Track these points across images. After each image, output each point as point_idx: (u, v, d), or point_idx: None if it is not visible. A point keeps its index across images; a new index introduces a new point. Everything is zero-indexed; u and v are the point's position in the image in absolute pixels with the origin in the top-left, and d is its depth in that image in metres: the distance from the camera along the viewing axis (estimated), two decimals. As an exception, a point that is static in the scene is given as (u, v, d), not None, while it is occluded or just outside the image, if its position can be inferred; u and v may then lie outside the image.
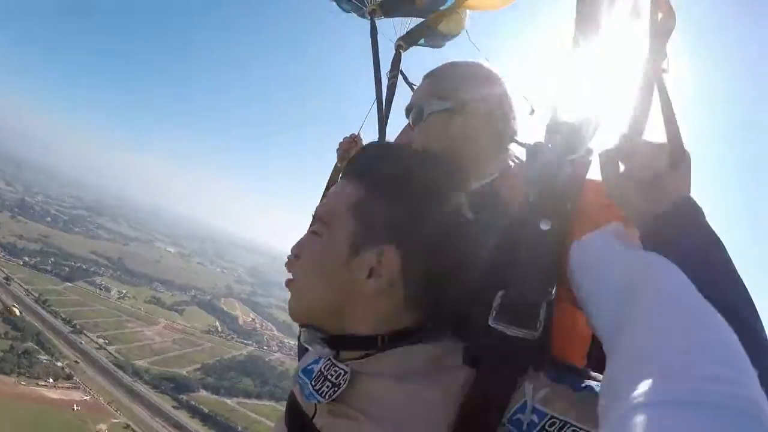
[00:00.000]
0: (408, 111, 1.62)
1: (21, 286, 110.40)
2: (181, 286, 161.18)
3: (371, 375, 1.05)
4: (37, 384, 76.41)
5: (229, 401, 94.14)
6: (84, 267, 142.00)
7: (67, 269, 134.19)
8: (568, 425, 0.82)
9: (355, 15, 2.81)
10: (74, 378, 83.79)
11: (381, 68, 2.55)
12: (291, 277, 1.17)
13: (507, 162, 1.53)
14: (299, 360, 1.43)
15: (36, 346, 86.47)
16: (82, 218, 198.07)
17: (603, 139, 1.10)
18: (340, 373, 1.07)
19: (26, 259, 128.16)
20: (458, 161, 1.38)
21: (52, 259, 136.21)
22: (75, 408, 74.50)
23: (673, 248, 0.87)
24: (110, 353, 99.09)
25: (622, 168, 1.05)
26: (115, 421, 76.13)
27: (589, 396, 0.84)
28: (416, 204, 1.09)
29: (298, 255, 1.15)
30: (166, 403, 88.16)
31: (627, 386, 0.55)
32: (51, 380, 79.13)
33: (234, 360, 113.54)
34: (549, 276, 0.98)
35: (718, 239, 0.94)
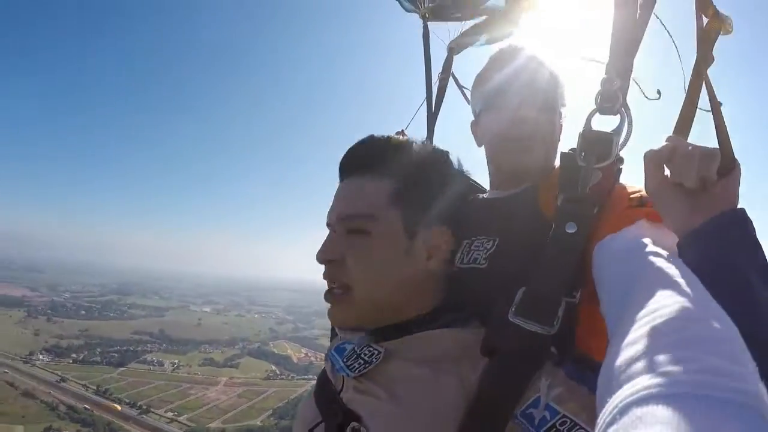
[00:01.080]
0: (533, 86, 1.45)
1: (77, 382, 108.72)
2: (228, 341, 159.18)
3: (400, 357, 1.05)
4: (125, 471, 74.72)
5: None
6: (131, 349, 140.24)
7: (116, 355, 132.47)
8: (578, 427, 0.80)
9: (415, 14, 2.59)
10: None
11: (432, 70, 2.43)
12: (341, 283, 1.10)
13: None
14: (331, 340, 1.42)
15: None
16: (113, 303, 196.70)
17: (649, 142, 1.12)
18: (374, 353, 1.07)
19: (74, 356, 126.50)
20: (538, 165, 1.43)
21: (99, 350, 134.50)
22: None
23: (716, 264, 0.84)
24: (183, 423, 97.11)
25: (667, 172, 0.99)
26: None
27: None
28: (447, 186, 1.15)
29: (336, 259, 1.09)
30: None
31: (623, 378, 0.54)
32: (136, 464, 77.24)
33: (301, 398, 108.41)
34: (570, 276, 1.02)
35: (765, 260, 0.87)
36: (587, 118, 1.17)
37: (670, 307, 0.64)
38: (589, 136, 1.15)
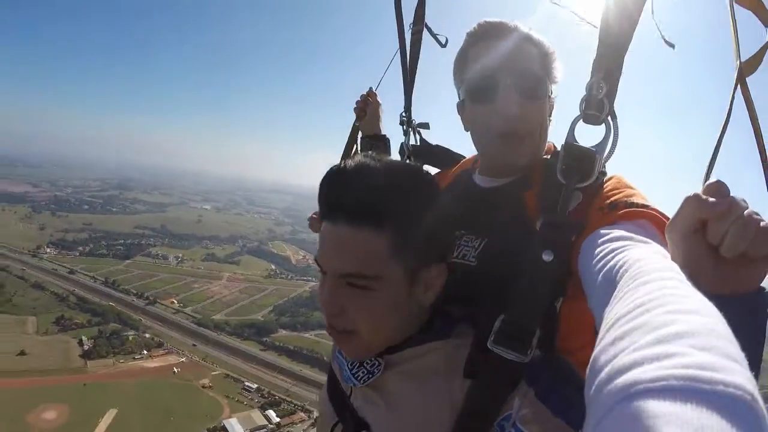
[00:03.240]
0: (524, 75, 1.31)
1: (85, 274, 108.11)
2: (228, 238, 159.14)
3: (397, 370, 1.13)
4: (134, 358, 75.58)
5: (307, 335, 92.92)
6: (135, 242, 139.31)
7: (121, 248, 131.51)
8: None
9: None
10: (165, 345, 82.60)
11: (404, 20, 2.21)
12: (345, 329, 1.11)
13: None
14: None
15: (120, 325, 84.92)
16: (115, 198, 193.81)
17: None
18: (375, 364, 1.16)
19: (81, 249, 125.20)
20: (533, 148, 1.35)
21: (104, 242, 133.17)
22: (175, 371, 73.60)
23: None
24: (188, 315, 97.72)
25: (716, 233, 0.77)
26: (215, 373, 75.24)
27: (559, 424, 0.92)
28: (436, 216, 1.11)
29: (344, 311, 1.09)
30: (253, 348, 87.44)
31: (612, 374, 0.52)
32: (145, 352, 78.06)
33: (300, 297, 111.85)
34: (545, 306, 1.03)
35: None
36: (571, 126, 1.10)
37: (656, 300, 0.62)
38: (571, 152, 1.09)
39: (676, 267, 0.75)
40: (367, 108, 2.39)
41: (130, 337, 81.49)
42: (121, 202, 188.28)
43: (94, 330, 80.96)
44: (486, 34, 1.34)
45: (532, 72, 1.30)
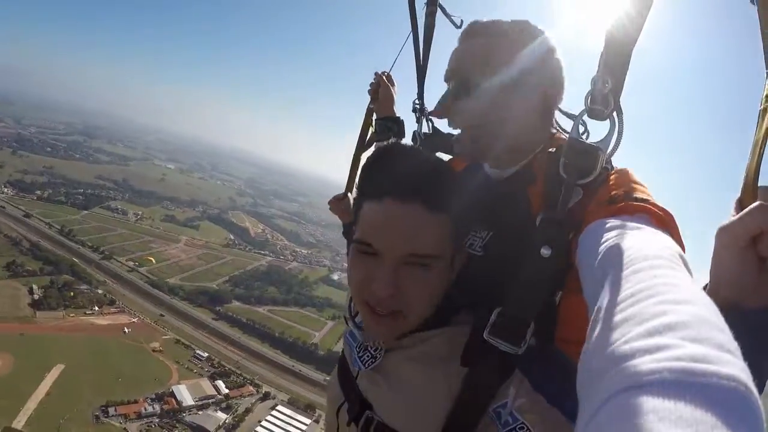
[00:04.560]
0: (448, 79, 1.37)
1: (41, 220, 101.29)
2: (189, 202, 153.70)
3: (400, 354, 1.16)
4: (85, 313, 71.93)
5: (260, 309, 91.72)
6: (95, 193, 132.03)
7: (80, 198, 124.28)
8: None
9: None
10: (117, 303, 79.03)
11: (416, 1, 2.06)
12: (395, 310, 1.07)
13: (549, 131, 1.39)
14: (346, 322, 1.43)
15: (73, 278, 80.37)
16: (79, 144, 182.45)
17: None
18: (378, 348, 1.20)
19: (38, 192, 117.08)
20: (508, 136, 1.30)
21: (63, 189, 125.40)
22: (126, 331, 70.68)
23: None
24: (143, 275, 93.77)
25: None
26: (165, 337, 72.90)
27: (556, 414, 0.94)
28: (468, 212, 1.16)
29: (400, 291, 1.05)
30: (205, 316, 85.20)
31: (605, 366, 0.51)
32: (96, 308, 74.45)
33: (257, 270, 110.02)
34: (542, 300, 1.03)
35: None
36: (576, 120, 1.07)
37: (647, 290, 0.60)
38: (574, 147, 1.06)
39: (667, 253, 0.72)
40: (379, 90, 2.27)
41: (83, 291, 77.57)
42: (84, 150, 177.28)
43: (46, 279, 76.25)
44: (466, 33, 1.36)
45: (459, 72, 1.32)
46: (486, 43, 1.30)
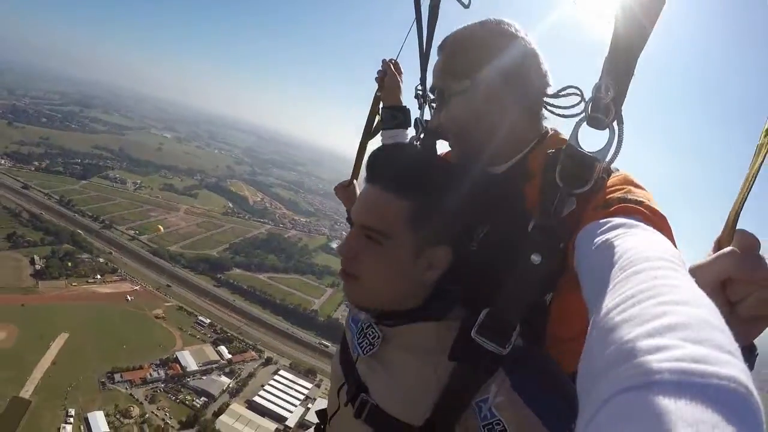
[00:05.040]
0: (432, 92, 1.44)
1: (39, 191, 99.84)
2: (187, 170, 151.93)
3: (395, 343, 1.22)
4: (87, 282, 71.73)
5: (261, 276, 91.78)
6: (93, 163, 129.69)
7: (78, 168, 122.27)
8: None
9: None
10: (119, 271, 78.74)
11: None
12: (352, 273, 1.19)
13: (540, 123, 1.35)
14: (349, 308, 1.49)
15: (74, 247, 79.74)
16: (74, 114, 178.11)
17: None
18: (376, 336, 1.25)
19: (36, 163, 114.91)
20: (489, 138, 1.30)
21: (61, 160, 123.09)
22: (128, 299, 70.78)
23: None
24: (144, 243, 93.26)
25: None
26: (168, 304, 73.14)
27: (530, 415, 0.97)
28: (464, 214, 1.18)
29: (354, 257, 1.18)
30: (207, 283, 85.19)
31: (605, 367, 0.50)
32: (98, 276, 74.12)
33: (257, 238, 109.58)
34: (529, 305, 1.04)
35: None
36: (574, 127, 1.03)
37: (647, 291, 0.59)
38: (571, 155, 1.02)
39: (668, 254, 0.71)
40: (385, 78, 2.20)
41: (85, 260, 77.01)
42: (80, 120, 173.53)
43: (47, 249, 75.68)
44: (444, 42, 1.38)
45: (436, 85, 1.38)
46: (455, 54, 1.33)
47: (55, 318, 59.06)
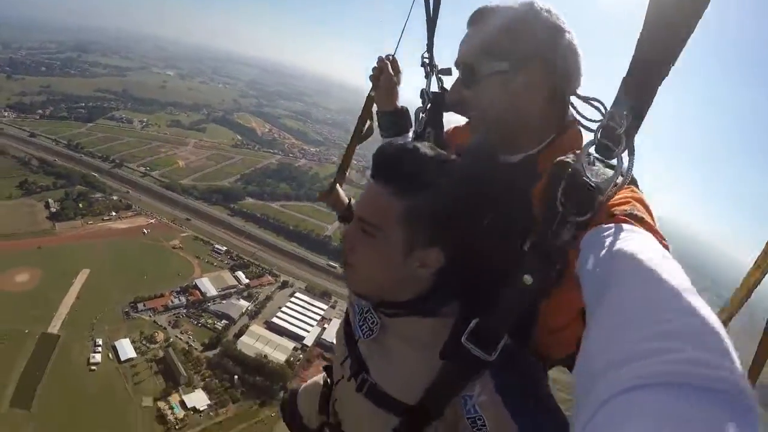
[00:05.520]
0: (457, 66, 1.33)
1: (47, 137, 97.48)
2: (192, 106, 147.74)
3: (394, 332, 1.28)
4: (103, 220, 71.66)
5: (273, 205, 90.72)
6: (97, 105, 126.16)
7: (83, 111, 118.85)
8: (486, 428, 1.07)
9: None
10: (133, 207, 78.34)
11: None
12: (349, 262, 1.24)
13: (563, 118, 1.27)
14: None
15: (86, 188, 78.84)
16: (73, 60, 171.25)
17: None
18: (375, 321, 1.32)
19: (40, 112, 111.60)
20: (515, 125, 1.25)
21: (64, 105, 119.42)
22: (145, 232, 70.91)
23: None
24: (155, 179, 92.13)
25: None
26: (184, 235, 73.16)
27: (508, 416, 1.04)
28: (458, 216, 1.15)
29: (352, 248, 1.23)
30: (220, 213, 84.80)
31: (605, 368, 0.50)
32: (113, 213, 73.91)
33: (267, 168, 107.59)
34: (516, 322, 1.04)
35: None
36: (583, 150, 0.95)
37: (650, 296, 0.60)
38: (575, 179, 0.94)
39: (669, 262, 0.71)
40: (380, 77, 1.96)
41: (98, 199, 76.48)
42: (79, 65, 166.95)
43: (60, 192, 74.94)
44: (467, 24, 1.32)
45: (465, 60, 1.28)
46: (489, 30, 1.22)
47: (75, 256, 59.26)
